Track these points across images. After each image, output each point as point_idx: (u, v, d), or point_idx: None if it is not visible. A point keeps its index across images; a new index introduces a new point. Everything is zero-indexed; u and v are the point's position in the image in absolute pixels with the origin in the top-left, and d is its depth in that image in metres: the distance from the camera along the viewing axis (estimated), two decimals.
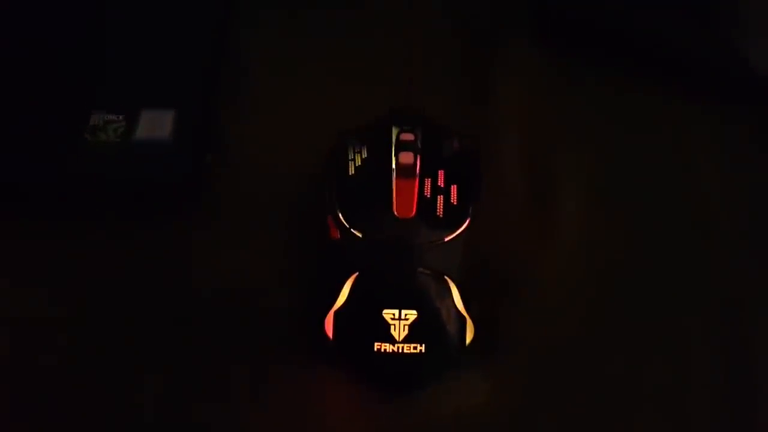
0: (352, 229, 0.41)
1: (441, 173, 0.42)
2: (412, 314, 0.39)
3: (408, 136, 0.44)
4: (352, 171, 0.43)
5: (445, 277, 0.40)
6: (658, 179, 0.48)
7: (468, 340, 0.41)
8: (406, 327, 0.40)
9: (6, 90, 0.49)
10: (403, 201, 0.41)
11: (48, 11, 0.52)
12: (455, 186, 0.42)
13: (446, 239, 0.40)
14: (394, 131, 0.44)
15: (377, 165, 0.43)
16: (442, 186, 0.42)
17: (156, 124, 0.47)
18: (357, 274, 0.40)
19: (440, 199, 0.41)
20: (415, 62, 0.53)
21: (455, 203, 0.41)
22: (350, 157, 0.43)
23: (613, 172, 0.49)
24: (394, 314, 0.39)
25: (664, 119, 0.51)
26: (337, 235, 0.41)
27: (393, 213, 0.41)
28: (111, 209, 0.46)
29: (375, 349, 0.40)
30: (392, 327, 0.39)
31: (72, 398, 0.41)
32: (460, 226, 0.41)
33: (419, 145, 0.43)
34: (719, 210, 0.47)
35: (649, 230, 0.46)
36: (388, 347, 0.39)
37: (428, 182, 0.42)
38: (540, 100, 0.51)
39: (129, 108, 0.48)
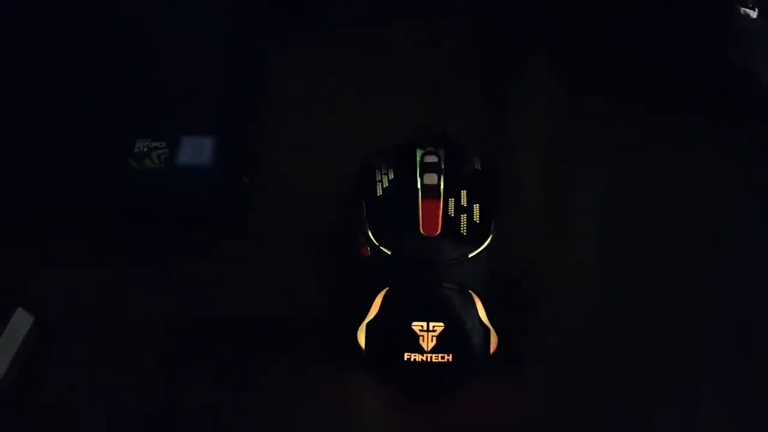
0: (381, 247, 0.43)
1: (464, 193, 0.45)
2: (439, 326, 0.42)
3: (432, 158, 0.46)
4: (380, 192, 0.45)
5: (470, 291, 0.43)
6: (670, 195, 0.50)
7: (492, 349, 0.43)
8: (434, 338, 0.42)
9: (54, 119, 0.52)
10: (429, 220, 0.44)
11: (92, 44, 0.55)
12: (477, 205, 0.44)
13: (470, 256, 0.43)
14: (419, 153, 0.47)
15: (403, 186, 0.45)
16: (465, 205, 0.44)
17: (196, 150, 0.50)
18: (387, 289, 0.43)
19: (463, 217, 0.44)
20: (438, 87, 0.55)
21: (478, 221, 0.44)
22: (378, 178, 0.46)
23: (626, 188, 0.51)
24: (422, 326, 0.42)
25: (675, 136, 0.53)
26: (368, 252, 0.44)
27: (419, 231, 0.43)
28: (155, 230, 0.49)
29: (405, 359, 0.42)
30: (421, 338, 0.42)
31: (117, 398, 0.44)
32: (483, 243, 0.43)
33: (442, 167, 0.46)
34: (729, 222, 0.49)
35: (662, 243, 0.49)
36: (418, 357, 0.42)
37: (452, 202, 0.44)
38: (557, 120, 0.54)
39: (171, 135, 0.51)
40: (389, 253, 0.43)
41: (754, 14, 0.50)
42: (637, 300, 0.47)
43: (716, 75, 0.51)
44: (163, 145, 0.50)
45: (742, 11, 0.50)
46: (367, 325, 0.43)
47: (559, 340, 0.45)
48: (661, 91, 0.53)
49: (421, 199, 0.44)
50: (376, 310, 0.43)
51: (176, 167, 0.50)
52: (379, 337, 0.43)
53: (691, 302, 0.46)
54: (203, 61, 0.54)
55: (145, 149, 0.50)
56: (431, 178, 0.45)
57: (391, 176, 0.46)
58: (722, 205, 0.50)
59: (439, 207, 0.44)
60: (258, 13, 0.56)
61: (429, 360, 0.42)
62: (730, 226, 0.49)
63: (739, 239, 0.48)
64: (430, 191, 0.45)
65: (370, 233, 0.44)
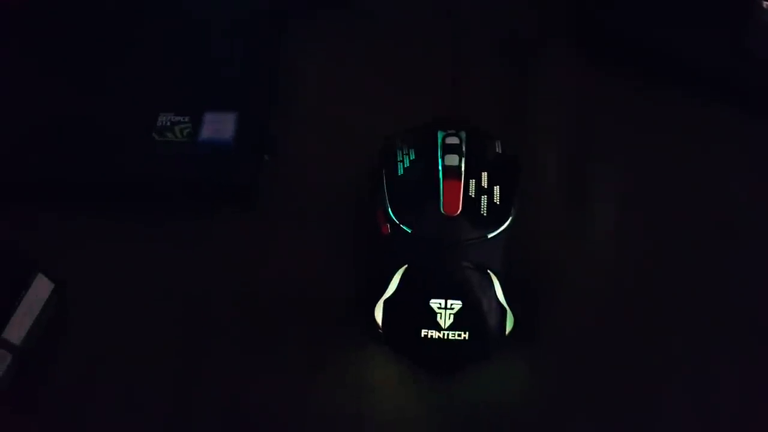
0: (401, 225, 0.44)
1: (485, 174, 0.45)
2: (457, 304, 0.43)
3: (453, 140, 0.47)
4: (401, 171, 0.46)
5: (488, 271, 0.43)
6: (687, 183, 0.51)
7: (508, 329, 0.44)
8: (452, 316, 0.43)
9: (78, 93, 0.53)
10: (450, 200, 0.44)
11: (118, 21, 0.56)
12: (498, 186, 0.45)
13: (489, 236, 0.43)
14: (440, 135, 0.47)
15: (425, 166, 0.46)
16: (485, 187, 0.45)
17: (219, 126, 0.51)
18: (406, 266, 0.43)
19: (484, 198, 0.44)
20: (460, 71, 0.56)
21: (498, 203, 0.44)
22: (399, 158, 0.46)
23: (645, 175, 0.51)
24: (440, 304, 0.43)
25: (694, 125, 0.53)
26: (388, 230, 0.44)
27: (440, 211, 0.44)
28: (176, 203, 0.50)
29: (422, 336, 0.43)
30: (439, 315, 0.43)
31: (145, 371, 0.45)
32: (503, 224, 0.44)
33: (464, 149, 0.46)
34: (744, 214, 0.50)
35: (678, 229, 0.49)
36: (435, 334, 0.43)
37: (473, 183, 0.45)
38: (576, 106, 0.54)
39: (194, 111, 0.51)
40: (409, 231, 0.44)
41: None
42: (652, 285, 0.47)
43: (737, 67, 0.52)
44: (186, 119, 0.51)
45: (764, 5, 0.50)
46: (385, 301, 0.44)
47: (575, 322, 0.46)
48: (681, 81, 0.54)
49: (443, 179, 0.45)
50: (395, 287, 0.43)
51: (199, 142, 0.50)
52: (397, 313, 0.44)
53: (706, 290, 0.47)
54: (228, 39, 0.54)
55: (168, 123, 0.51)
56: (452, 159, 0.45)
57: (413, 156, 0.46)
58: (739, 195, 0.50)
59: (460, 187, 0.44)
60: None
61: (446, 337, 0.43)
62: (746, 216, 0.49)
63: (754, 229, 0.49)
64: (452, 172, 0.45)
65: (390, 211, 0.44)
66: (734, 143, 0.52)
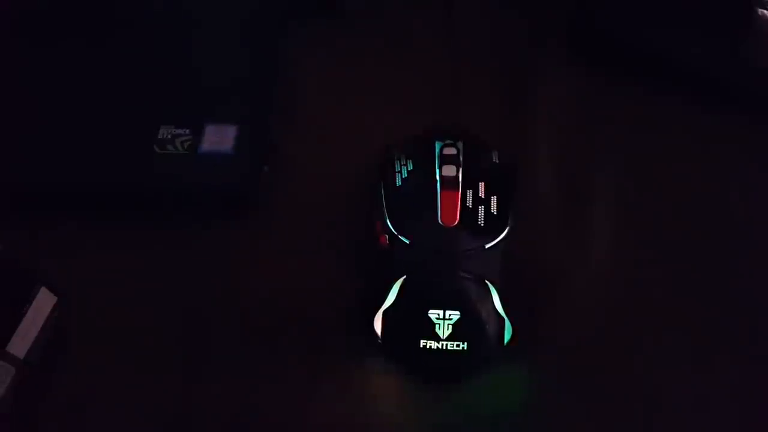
0: (400, 236, 0.44)
1: (482, 185, 0.45)
2: (455, 315, 0.43)
3: (450, 150, 0.47)
4: (399, 182, 0.46)
5: (486, 281, 0.43)
6: (686, 189, 0.51)
7: (506, 339, 0.44)
8: (450, 326, 0.43)
9: (80, 105, 0.53)
10: (447, 210, 0.44)
11: (120, 33, 0.56)
12: (495, 197, 0.45)
13: (487, 246, 0.44)
14: (437, 145, 0.47)
15: (422, 177, 0.46)
16: (482, 197, 0.45)
17: (219, 138, 0.51)
18: (404, 277, 0.44)
19: (481, 209, 0.45)
20: (457, 81, 0.56)
21: (495, 213, 0.45)
22: (397, 168, 0.47)
23: (643, 181, 0.52)
24: (438, 314, 0.43)
25: (692, 133, 0.53)
26: (386, 241, 0.45)
27: (438, 221, 0.44)
28: (177, 215, 0.50)
29: (421, 346, 0.43)
30: (437, 326, 0.43)
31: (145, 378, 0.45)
32: (500, 234, 0.44)
33: (461, 159, 0.46)
34: (744, 219, 0.50)
35: (676, 237, 0.49)
36: (433, 344, 0.43)
37: (470, 193, 0.45)
38: (574, 113, 0.54)
39: (194, 123, 0.52)
40: (407, 241, 0.44)
41: None
42: (653, 294, 0.47)
43: (735, 74, 0.52)
44: (187, 132, 0.51)
45: (760, 12, 0.51)
46: (384, 312, 0.44)
47: (574, 332, 0.46)
48: (679, 89, 0.54)
49: (440, 190, 0.45)
50: (393, 298, 0.44)
51: (199, 154, 0.51)
52: (395, 324, 0.44)
53: (707, 296, 0.47)
54: (227, 50, 0.55)
55: (169, 136, 0.51)
56: (450, 170, 0.46)
57: (410, 167, 0.47)
58: (740, 201, 0.50)
59: (457, 198, 0.45)
60: (281, 3, 0.57)
61: (444, 347, 0.43)
62: (747, 221, 0.49)
63: (755, 234, 0.49)
64: (449, 182, 0.45)
65: (388, 222, 0.45)
66: (735, 150, 0.52)
